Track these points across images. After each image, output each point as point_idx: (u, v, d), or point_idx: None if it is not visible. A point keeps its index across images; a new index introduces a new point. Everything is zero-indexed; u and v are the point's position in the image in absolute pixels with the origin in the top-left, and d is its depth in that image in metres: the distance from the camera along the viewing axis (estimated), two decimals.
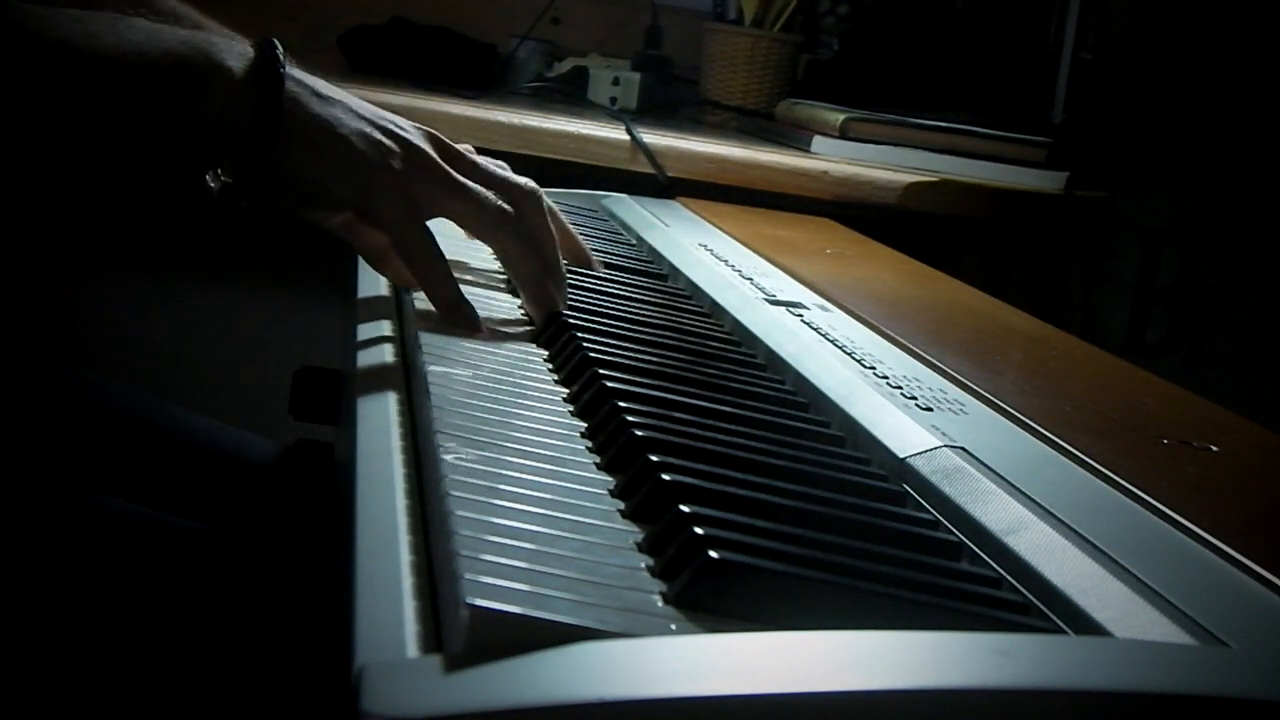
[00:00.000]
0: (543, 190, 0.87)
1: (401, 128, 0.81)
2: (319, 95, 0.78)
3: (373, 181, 0.78)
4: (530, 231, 0.83)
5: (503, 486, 0.55)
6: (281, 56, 0.76)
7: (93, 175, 0.84)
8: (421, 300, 0.82)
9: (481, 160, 0.85)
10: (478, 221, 0.82)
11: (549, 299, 0.83)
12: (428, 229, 0.81)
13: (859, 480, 0.64)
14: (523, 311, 0.87)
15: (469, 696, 0.39)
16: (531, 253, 0.83)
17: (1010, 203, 1.66)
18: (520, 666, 0.41)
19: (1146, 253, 1.63)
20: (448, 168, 0.81)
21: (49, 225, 1.83)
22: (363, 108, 0.80)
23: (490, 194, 0.82)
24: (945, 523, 0.60)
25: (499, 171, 0.85)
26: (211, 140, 0.76)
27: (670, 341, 0.82)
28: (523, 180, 0.86)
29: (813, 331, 0.87)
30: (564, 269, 0.86)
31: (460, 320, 0.80)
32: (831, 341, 0.85)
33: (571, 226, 0.97)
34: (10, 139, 0.75)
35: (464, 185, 0.81)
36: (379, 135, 0.79)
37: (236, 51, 0.76)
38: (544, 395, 0.70)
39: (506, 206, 0.82)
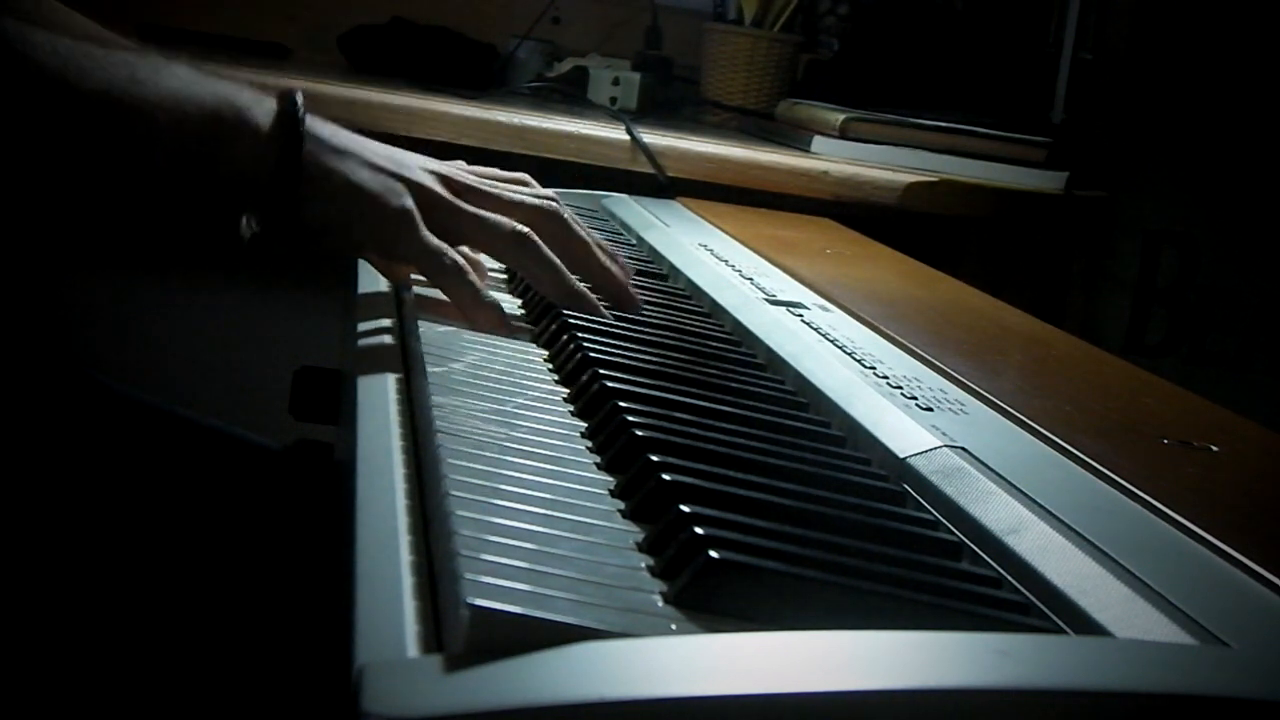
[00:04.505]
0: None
1: (411, 170, 0.83)
2: (335, 149, 0.80)
3: (387, 226, 0.80)
4: (546, 251, 0.84)
5: (503, 486, 0.55)
6: (302, 112, 0.78)
7: (121, 218, 0.85)
8: (420, 296, 0.83)
9: (493, 188, 0.87)
10: (495, 250, 0.85)
11: (590, 308, 0.84)
12: (450, 257, 0.82)
13: (859, 480, 0.64)
14: (522, 311, 0.87)
15: (469, 696, 0.39)
16: (554, 272, 0.84)
17: (1010, 203, 1.66)
18: (520, 666, 0.41)
19: (1146, 253, 1.63)
20: (459, 202, 0.83)
21: (50, 225, 1.83)
22: (375, 156, 0.82)
23: (503, 220, 0.84)
24: (945, 523, 0.60)
25: (513, 196, 0.86)
26: (237, 192, 0.78)
27: (670, 341, 0.82)
28: (539, 200, 0.87)
29: (813, 331, 0.87)
30: (582, 284, 0.87)
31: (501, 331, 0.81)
32: (831, 341, 0.85)
33: (595, 239, 0.90)
34: (44, 179, 0.76)
35: (476, 215, 0.83)
36: (391, 180, 0.81)
37: (264, 107, 0.78)
38: (544, 395, 0.70)
39: (521, 229, 0.83)
